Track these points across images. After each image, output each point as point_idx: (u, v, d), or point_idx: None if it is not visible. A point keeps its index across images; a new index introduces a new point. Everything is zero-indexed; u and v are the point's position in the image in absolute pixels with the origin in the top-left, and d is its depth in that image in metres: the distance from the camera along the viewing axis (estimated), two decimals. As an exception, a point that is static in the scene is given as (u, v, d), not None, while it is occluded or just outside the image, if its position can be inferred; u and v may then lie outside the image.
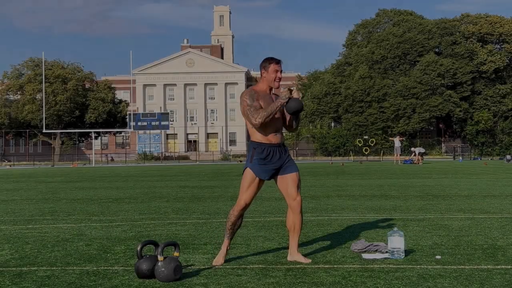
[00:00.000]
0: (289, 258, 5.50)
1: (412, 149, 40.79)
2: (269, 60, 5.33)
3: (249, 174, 5.32)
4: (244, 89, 5.56)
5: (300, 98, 5.31)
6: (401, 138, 41.69)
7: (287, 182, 5.36)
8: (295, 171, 5.40)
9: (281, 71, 5.33)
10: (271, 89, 5.41)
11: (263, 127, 5.27)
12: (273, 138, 5.32)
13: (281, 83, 5.38)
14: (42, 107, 65.18)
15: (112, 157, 75.21)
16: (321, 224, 7.97)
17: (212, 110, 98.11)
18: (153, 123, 61.50)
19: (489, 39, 71.32)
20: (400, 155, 41.39)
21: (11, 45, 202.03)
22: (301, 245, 6.30)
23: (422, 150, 39.25)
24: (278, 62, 5.32)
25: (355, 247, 5.88)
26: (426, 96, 68.71)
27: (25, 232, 7.67)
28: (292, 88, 5.29)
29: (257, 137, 5.32)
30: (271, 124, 5.27)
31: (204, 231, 7.51)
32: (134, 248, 6.24)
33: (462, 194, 12.65)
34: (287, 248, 6.12)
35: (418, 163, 37.62)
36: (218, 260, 5.42)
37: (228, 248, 5.51)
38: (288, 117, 5.43)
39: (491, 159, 58.15)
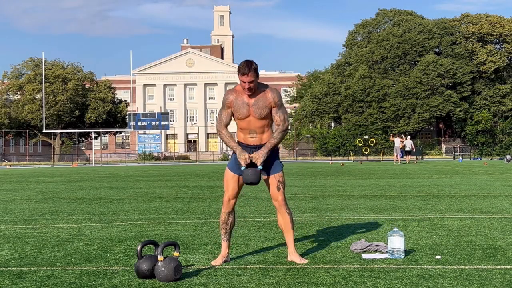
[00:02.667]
0: (288, 258, 5.54)
1: (409, 137, 41.71)
2: (238, 68, 5.29)
3: (227, 171, 5.54)
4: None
5: (259, 168, 5.29)
6: (402, 139, 41.84)
7: (269, 184, 5.51)
8: (275, 172, 5.47)
9: (250, 81, 5.23)
10: (252, 95, 5.35)
11: (240, 129, 5.43)
12: (249, 141, 5.43)
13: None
14: (42, 107, 65.19)
15: (87, 158, 74.40)
16: (321, 224, 7.97)
17: (212, 110, 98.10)
18: (153, 123, 61.49)
19: (489, 39, 71.31)
20: (410, 155, 41.52)
21: (11, 45, 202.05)
22: (301, 245, 6.30)
23: (409, 148, 39.97)
24: (243, 73, 5.23)
25: (355, 247, 5.88)
26: (426, 96, 68.71)
27: (25, 232, 7.67)
28: (253, 157, 5.31)
29: (238, 137, 5.52)
30: (245, 127, 5.39)
31: (204, 231, 7.51)
32: (134, 248, 6.24)
33: (462, 194, 12.64)
34: (287, 248, 6.15)
35: (408, 161, 38.86)
36: (217, 261, 5.45)
37: (228, 251, 5.53)
38: (276, 117, 5.39)
39: (491, 159, 58.14)
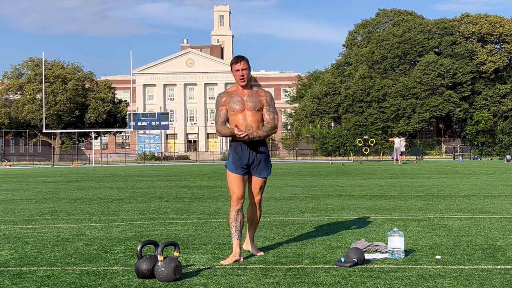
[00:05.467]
0: (244, 247, 5.91)
1: (403, 138, 42.34)
2: (231, 62, 5.62)
3: (228, 174, 5.68)
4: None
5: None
6: (402, 139, 42.01)
7: (253, 184, 5.74)
8: (263, 176, 5.74)
9: (243, 68, 5.54)
10: (246, 85, 5.62)
11: (236, 126, 5.54)
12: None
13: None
14: (42, 107, 65.20)
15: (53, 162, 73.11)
16: (321, 224, 7.97)
17: (212, 110, 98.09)
18: (153, 123, 61.49)
19: (489, 39, 71.30)
20: (400, 155, 41.70)
21: (11, 45, 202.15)
22: (301, 245, 6.30)
23: (403, 148, 40.58)
24: (236, 61, 5.57)
25: (355, 247, 5.87)
26: (426, 96, 68.70)
27: (25, 232, 7.67)
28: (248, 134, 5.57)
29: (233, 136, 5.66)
30: (240, 121, 5.55)
31: (204, 231, 7.51)
32: (134, 248, 6.24)
33: (462, 194, 12.64)
34: (287, 248, 6.15)
35: (399, 161, 39.29)
36: (227, 261, 5.42)
37: (240, 250, 5.52)
38: (266, 116, 5.63)
39: (491, 159, 58.13)
